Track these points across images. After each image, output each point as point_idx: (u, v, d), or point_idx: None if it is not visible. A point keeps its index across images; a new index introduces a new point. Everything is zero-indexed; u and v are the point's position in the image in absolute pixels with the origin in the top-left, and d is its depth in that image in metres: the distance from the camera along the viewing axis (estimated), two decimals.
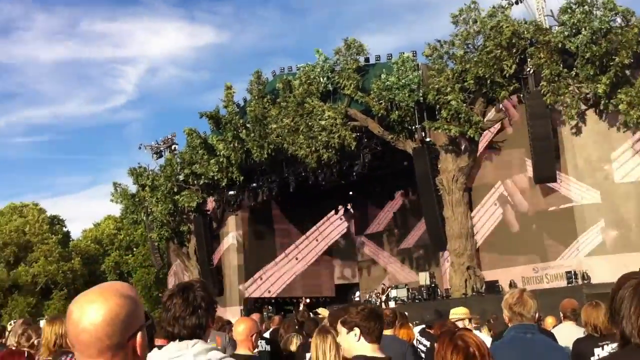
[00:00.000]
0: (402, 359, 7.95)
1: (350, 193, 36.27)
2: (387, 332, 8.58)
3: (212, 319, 3.62)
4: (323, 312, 14.37)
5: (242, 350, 5.60)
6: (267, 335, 9.73)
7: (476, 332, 7.09)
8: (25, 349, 6.44)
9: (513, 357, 4.36)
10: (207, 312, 3.51)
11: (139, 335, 1.98)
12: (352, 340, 4.02)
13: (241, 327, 5.63)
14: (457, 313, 8.21)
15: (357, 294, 33.65)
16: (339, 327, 4.12)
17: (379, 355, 4.04)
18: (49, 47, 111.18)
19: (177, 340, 3.36)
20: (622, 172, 21.05)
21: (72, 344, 1.96)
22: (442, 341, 3.07)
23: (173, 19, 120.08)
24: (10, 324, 11.97)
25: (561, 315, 8.33)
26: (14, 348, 6.69)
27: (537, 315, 4.73)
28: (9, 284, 51.47)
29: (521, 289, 5.05)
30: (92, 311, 1.90)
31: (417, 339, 8.82)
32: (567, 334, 6.66)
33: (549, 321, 9.62)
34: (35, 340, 6.79)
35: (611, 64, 19.20)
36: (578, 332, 6.46)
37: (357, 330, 4.02)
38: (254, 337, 5.59)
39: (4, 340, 9.54)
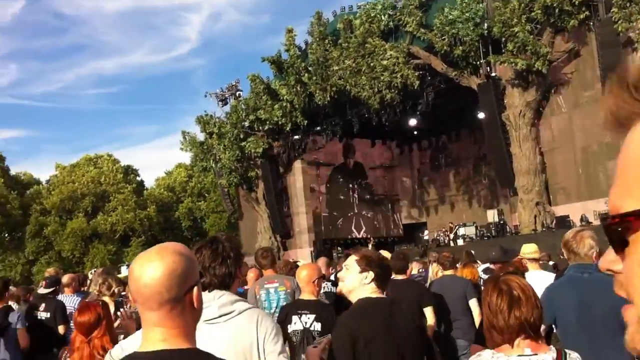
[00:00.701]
0: (462, 296, 8.07)
1: (415, 133, 35.98)
2: (448, 272, 8.67)
3: (240, 269, 3.74)
4: (385, 254, 14.51)
5: (305, 295, 5.78)
6: (333, 277, 9.95)
7: (538, 271, 7.06)
8: (107, 296, 6.79)
9: (570, 297, 4.33)
10: (236, 262, 3.63)
11: (195, 289, 2.16)
12: (361, 281, 4.11)
13: (303, 273, 5.80)
14: (526, 252, 8.16)
15: (426, 232, 33.68)
16: (352, 263, 4.20)
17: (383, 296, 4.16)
18: None
19: (207, 291, 3.49)
20: None
21: (135, 298, 2.15)
22: (487, 287, 3.15)
23: None
24: (91, 273, 12.56)
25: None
26: (95, 296, 7.08)
27: (596, 254, 4.64)
28: (89, 232, 53.74)
29: (582, 227, 5.00)
30: (152, 268, 2.10)
31: (480, 277, 8.87)
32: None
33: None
34: (116, 288, 7.15)
35: None
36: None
37: (371, 274, 4.10)
38: (316, 282, 5.74)
39: (85, 288, 10.05)
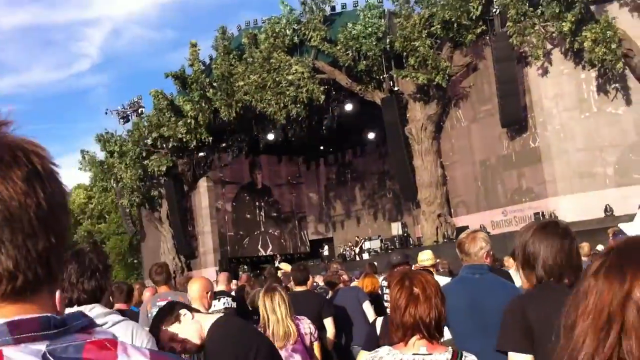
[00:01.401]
0: (357, 302, 8.15)
1: (321, 148, 36.24)
2: (300, 288, 8.70)
3: (109, 283, 3.54)
4: (285, 266, 14.46)
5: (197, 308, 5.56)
6: (233, 293, 9.79)
7: (435, 276, 7.16)
8: None
9: (460, 297, 4.36)
10: (105, 274, 3.43)
11: (57, 293, 1.91)
12: None
13: (195, 286, 5.61)
14: (422, 259, 8.35)
15: (326, 248, 33.75)
16: None
17: None
18: (11, 12, 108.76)
19: (75, 306, 3.27)
20: (587, 109, 21.24)
21: None
22: (393, 281, 3.12)
23: None
24: None
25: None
26: None
27: (485, 254, 4.70)
28: None
29: (475, 230, 5.08)
30: None
31: (381, 286, 8.96)
32: None
33: (510, 262, 9.70)
34: None
35: (576, 0, 19.20)
36: None
37: None
38: (208, 294, 5.53)
39: None
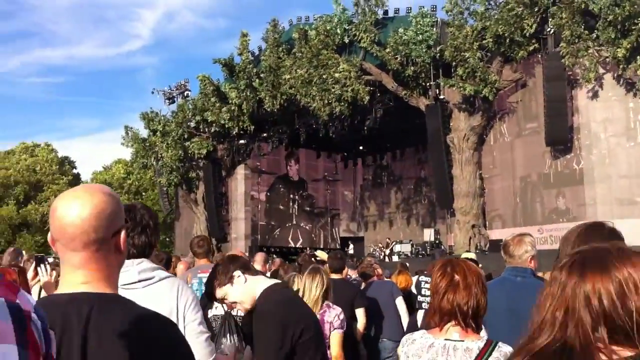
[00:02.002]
0: (390, 296, 8.25)
1: (361, 148, 36.28)
2: (336, 276, 8.80)
3: (157, 240, 3.64)
4: (322, 254, 14.56)
5: None
6: (268, 274, 9.88)
7: None
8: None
9: (500, 298, 4.35)
10: (155, 232, 3.55)
11: (122, 232, 2.02)
12: (241, 284, 3.71)
13: (259, 257, 5.73)
14: (466, 256, 8.40)
15: (351, 246, 33.79)
16: (226, 289, 3.75)
17: None
18: None
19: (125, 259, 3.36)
20: (634, 137, 20.93)
21: (57, 238, 1.97)
22: (436, 266, 3.13)
23: None
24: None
25: None
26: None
27: (530, 258, 4.73)
28: (18, 221, 52.02)
29: (522, 233, 5.08)
30: (79, 205, 1.91)
31: (422, 279, 9.00)
32: None
33: (547, 276, 9.75)
34: (31, 258, 6.91)
35: (633, 28, 18.89)
36: None
37: (238, 273, 3.70)
38: (267, 265, 5.64)
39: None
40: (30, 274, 4.65)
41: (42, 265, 4.73)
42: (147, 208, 3.60)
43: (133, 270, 3.32)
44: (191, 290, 3.57)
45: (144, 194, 55.98)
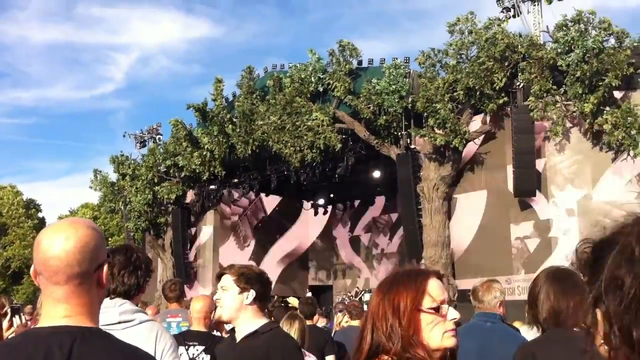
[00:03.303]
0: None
1: (331, 195, 36.40)
2: (354, 322, 8.77)
3: (146, 284, 3.65)
4: (293, 301, 14.51)
5: (196, 326, 5.65)
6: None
7: None
8: None
9: (470, 345, 4.40)
10: (145, 274, 3.56)
11: (104, 267, 2.06)
12: (242, 302, 3.79)
13: (198, 305, 5.69)
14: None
15: (308, 293, 33.53)
16: (230, 282, 3.82)
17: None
18: (43, 29, 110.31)
19: (109, 298, 3.36)
20: (602, 191, 21.40)
21: (40, 271, 2.00)
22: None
23: (170, 9, 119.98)
24: None
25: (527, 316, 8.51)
26: None
27: (499, 304, 4.81)
28: None
29: (491, 279, 5.16)
30: (63, 239, 1.97)
31: None
32: (532, 335, 6.84)
33: (516, 325, 9.81)
34: (8, 308, 6.76)
35: (600, 84, 19.53)
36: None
37: (252, 292, 3.80)
38: (211, 314, 5.60)
39: None
40: (5, 324, 4.59)
41: (16, 316, 4.70)
42: (143, 252, 3.62)
43: (114, 311, 3.33)
44: (169, 335, 3.59)
45: (110, 239, 55.10)
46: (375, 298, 2.37)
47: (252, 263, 35.45)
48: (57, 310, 1.98)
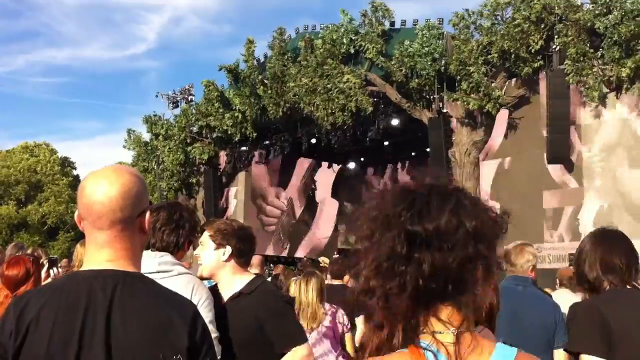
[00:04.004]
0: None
1: (362, 159, 36.27)
2: (336, 282, 8.72)
3: (190, 244, 3.62)
4: (324, 260, 14.50)
5: None
6: (268, 279, 9.86)
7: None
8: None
9: (503, 308, 4.36)
10: (188, 234, 3.52)
11: (147, 213, 2.05)
12: (218, 259, 3.79)
13: (255, 259, 5.74)
14: None
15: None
16: (206, 239, 3.81)
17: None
18: None
19: (150, 249, 3.36)
20: (636, 158, 20.91)
21: (84, 216, 2.02)
22: None
23: None
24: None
25: (557, 282, 8.35)
26: None
27: (531, 268, 4.74)
28: (17, 221, 52.02)
29: (524, 242, 5.03)
30: (107, 184, 1.97)
31: None
32: (562, 300, 6.76)
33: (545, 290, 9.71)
34: (46, 260, 6.90)
35: (638, 48, 18.94)
36: (574, 298, 6.52)
37: (228, 249, 3.79)
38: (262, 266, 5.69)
39: None
40: (42, 275, 4.70)
41: (54, 268, 4.83)
42: (192, 211, 3.58)
43: (154, 261, 3.36)
44: (206, 290, 3.59)
45: None
46: None
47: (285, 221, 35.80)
48: (100, 254, 2.04)
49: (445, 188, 1.64)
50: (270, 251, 34.93)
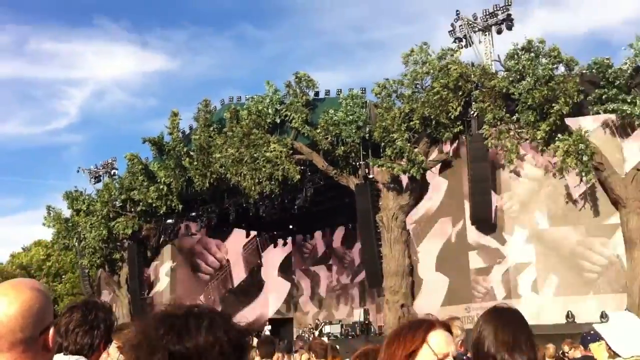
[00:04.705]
0: None
1: (290, 227, 36.26)
2: None
3: (106, 345, 3.48)
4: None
5: None
6: None
7: None
8: None
9: None
10: (103, 335, 3.39)
11: (51, 330, 1.94)
12: None
13: None
14: None
15: (266, 328, 33.13)
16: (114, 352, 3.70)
17: None
18: None
19: (62, 354, 3.22)
20: (555, 217, 21.77)
21: None
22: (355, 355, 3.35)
23: (125, 43, 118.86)
24: None
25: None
26: None
27: (460, 343, 4.82)
28: None
29: (451, 317, 5.15)
30: (5, 303, 1.83)
31: None
32: None
33: None
34: None
35: (551, 111, 20.00)
36: None
37: None
38: None
39: None
40: None
41: None
42: (108, 310, 3.43)
43: None
44: None
45: (64, 276, 53.78)
46: (382, 350, 2.42)
47: (212, 297, 35.02)
48: None
49: (200, 309, 1.76)
50: None
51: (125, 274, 34.40)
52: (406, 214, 24.91)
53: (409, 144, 23.28)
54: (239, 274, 37.40)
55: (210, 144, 28.74)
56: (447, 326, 2.42)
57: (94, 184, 35.83)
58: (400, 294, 25.12)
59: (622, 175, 20.31)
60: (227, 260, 36.90)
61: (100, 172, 35.84)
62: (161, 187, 30.55)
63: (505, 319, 3.18)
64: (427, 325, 2.35)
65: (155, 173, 31.02)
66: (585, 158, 19.51)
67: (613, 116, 20.51)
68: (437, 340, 2.27)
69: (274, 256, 38.55)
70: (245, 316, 35.91)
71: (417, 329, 2.35)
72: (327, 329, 28.46)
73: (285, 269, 38.51)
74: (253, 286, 37.59)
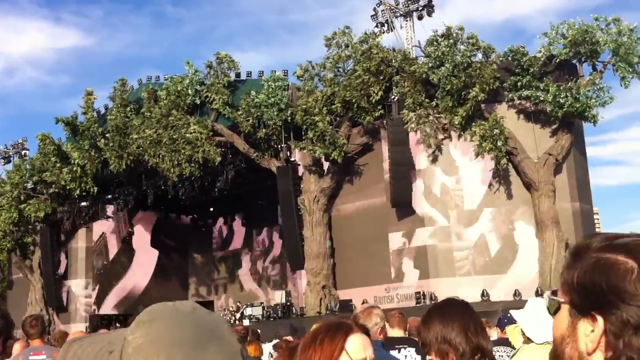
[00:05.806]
0: None
1: (211, 209, 35.88)
2: None
3: (5, 343, 3.40)
4: None
5: None
6: None
7: None
8: None
9: None
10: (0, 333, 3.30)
11: None
12: None
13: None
14: None
15: None
16: None
17: None
18: None
19: None
20: (471, 198, 22.43)
21: None
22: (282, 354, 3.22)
23: (36, 18, 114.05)
24: None
25: (407, 333, 8.69)
26: None
27: (379, 330, 4.90)
28: None
29: (372, 305, 5.26)
30: None
31: (269, 352, 8.92)
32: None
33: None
34: None
35: (468, 97, 20.51)
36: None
37: None
38: None
39: None
40: None
41: None
42: (4, 315, 3.31)
43: None
44: None
45: None
46: (298, 352, 2.29)
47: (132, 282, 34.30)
48: None
49: None
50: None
51: (37, 258, 33.26)
52: (327, 197, 25.09)
53: (330, 127, 23.38)
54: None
55: (127, 124, 27.97)
56: (364, 328, 2.40)
57: (4, 164, 34.47)
58: (322, 275, 25.34)
59: (534, 159, 21.11)
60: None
61: (11, 153, 34.43)
62: (75, 168, 29.54)
63: (454, 311, 3.25)
64: (344, 330, 2.28)
65: (68, 154, 29.93)
66: (499, 143, 20.16)
67: (527, 102, 21.24)
68: (355, 345, 2.24)
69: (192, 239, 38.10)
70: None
71: (335, 334, 2.27)
72: (248, 311, 28.41)
73: (205, 252, 38.16)
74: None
